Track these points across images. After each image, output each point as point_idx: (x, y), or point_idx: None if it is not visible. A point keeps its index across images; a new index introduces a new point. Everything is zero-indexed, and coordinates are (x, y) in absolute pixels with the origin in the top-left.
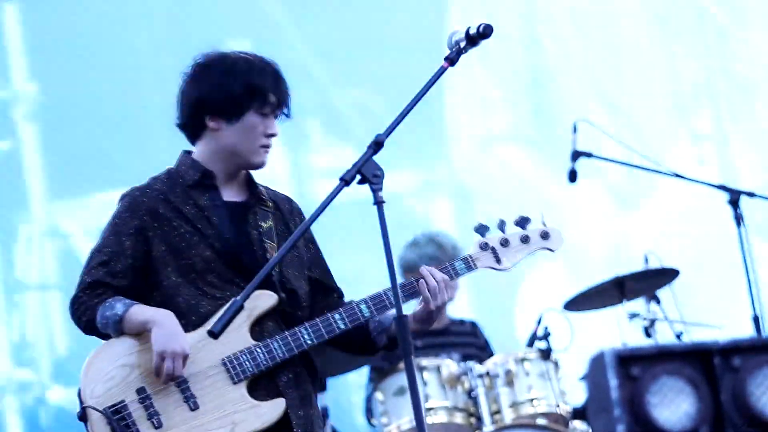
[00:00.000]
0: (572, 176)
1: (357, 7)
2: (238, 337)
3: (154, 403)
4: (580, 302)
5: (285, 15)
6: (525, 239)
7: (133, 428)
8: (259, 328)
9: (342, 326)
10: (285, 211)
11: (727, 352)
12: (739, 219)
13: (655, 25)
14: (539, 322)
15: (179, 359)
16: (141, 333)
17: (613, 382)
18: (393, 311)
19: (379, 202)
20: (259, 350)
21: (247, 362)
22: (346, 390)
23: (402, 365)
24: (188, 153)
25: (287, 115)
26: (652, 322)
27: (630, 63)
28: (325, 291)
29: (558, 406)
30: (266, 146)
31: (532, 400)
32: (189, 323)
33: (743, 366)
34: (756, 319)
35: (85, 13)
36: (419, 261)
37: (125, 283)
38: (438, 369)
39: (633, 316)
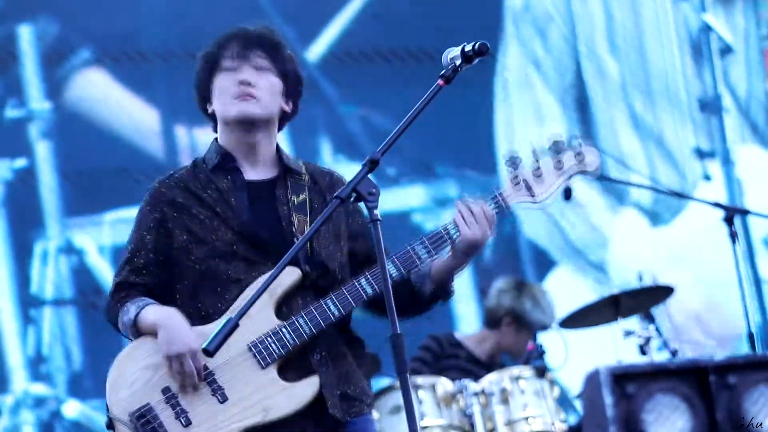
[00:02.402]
0: (567, 194)
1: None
2: (263, 319)
3: (180, 401)
4: (575, 320)
5: (293, 34)
6: (558, 165)
7: (160, 430)
8: (287, 308)
9: (370, 291)
10: (324, 184)
11: (723, 369)
12: (733, 236)
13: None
14: (534, 340)
15: (186, 358)
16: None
17: (609, 399)
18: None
19: (374, 221)
20: (284, 330)
21: (273, 344)
22: None
23: (397, 384)
24: (216, 139)
25: (270, 52)
26: (648, 339)
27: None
28: (372, 262)
29: (553, 424)
30: (238, 95)
31: (527, 418)
32: (216, 311)
33: (739, 383)
34: (751, 337)
35: (99, 30)
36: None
37: (150, 279)
38: (433, 387)
39: (628, 333)
